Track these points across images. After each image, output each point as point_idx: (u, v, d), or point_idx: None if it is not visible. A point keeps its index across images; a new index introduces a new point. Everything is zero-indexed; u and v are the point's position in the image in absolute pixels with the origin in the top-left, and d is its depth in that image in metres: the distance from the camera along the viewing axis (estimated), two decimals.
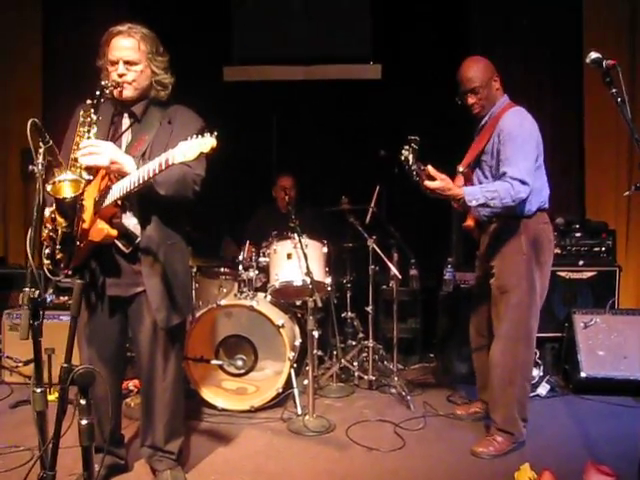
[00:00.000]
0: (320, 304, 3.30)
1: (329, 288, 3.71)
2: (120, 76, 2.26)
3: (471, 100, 2.87)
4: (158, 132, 2.31)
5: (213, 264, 4.03)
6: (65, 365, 1.75)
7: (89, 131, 2.18)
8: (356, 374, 3.89)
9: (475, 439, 2.96)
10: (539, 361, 3.77)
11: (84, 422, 1.75)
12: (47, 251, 2.16)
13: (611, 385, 3.57)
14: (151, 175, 2.03)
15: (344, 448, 2.94)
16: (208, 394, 3.46)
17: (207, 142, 1.90)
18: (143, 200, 2.26)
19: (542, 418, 3.23)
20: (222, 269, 3.97)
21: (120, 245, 2.28)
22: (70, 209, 2.04)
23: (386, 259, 3.83)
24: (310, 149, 5.03)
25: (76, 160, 2.14)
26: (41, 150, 1.84)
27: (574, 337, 3.75)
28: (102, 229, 2.18)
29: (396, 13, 4.98)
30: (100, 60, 2.34)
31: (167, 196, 2.21)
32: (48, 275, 2.14)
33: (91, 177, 2.17)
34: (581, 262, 4.04)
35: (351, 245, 4.14)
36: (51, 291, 3.81)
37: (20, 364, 3.72)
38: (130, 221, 2.30)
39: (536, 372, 3.69)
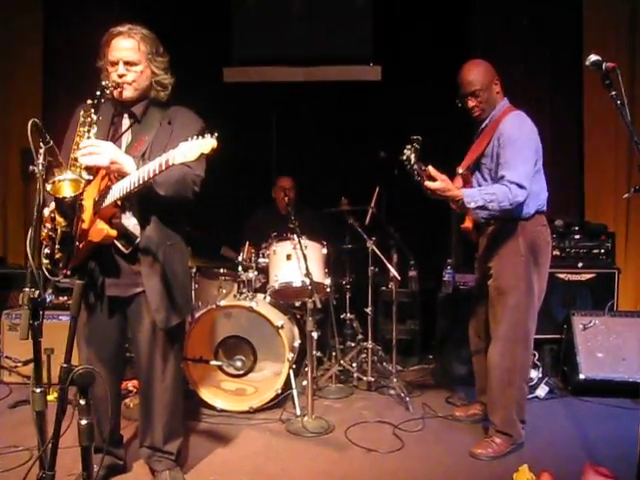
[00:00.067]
0: (319, 305, 3.29)
1: (328, 289, 3.71)
2: (120, 77, 2.26)
3: (471, 103, 2.88)
4: (158, 133, 2.31)
5: (212, 265, 4.03)
6: (65, 365, 1.75)
7: (89, 131, 2.18)
8: (355, 375, 3.89)
9: (474, 441, 2.96)
10: (538, 363, 3.78)
11: (83, 422, 1.76)
12: (46, 251, 2.16)
13: (610, 387, 3.58)
14: (151, 175, 2.03)
15: (343, 449, 2.94)
16: (207, 395, 3.46)
17: (208, 143, 1.91)
18: (143, 200, 2.26)
19: (541, 420, 3.23)
20: (221, 270, 3.97)
21: (120, 245, 2.27)
22: (70, 209, 2.04)
23: (385, 260, 3.83)
24: (310, 150, 5.03)
25: (76, 160, 2.14)
26: (41, 150, 1.84)
27: (573, 339, 3.75)
28: (102, 229, 2.18)
29: (396, 14, 4.97)
30: (100, 61, 2.34)
31: (167, 196, 2.21)
32: (47, 275, 2.14)
33: (91, 177, 2.17)
34: (580, 264, 4.04)
35: (350, 246, 4.14)
36: (50, 291, 3.80)
37: (19, 364, 3.72)
38: (130, 221, 2.30)
39: (535, 374, 3.70)
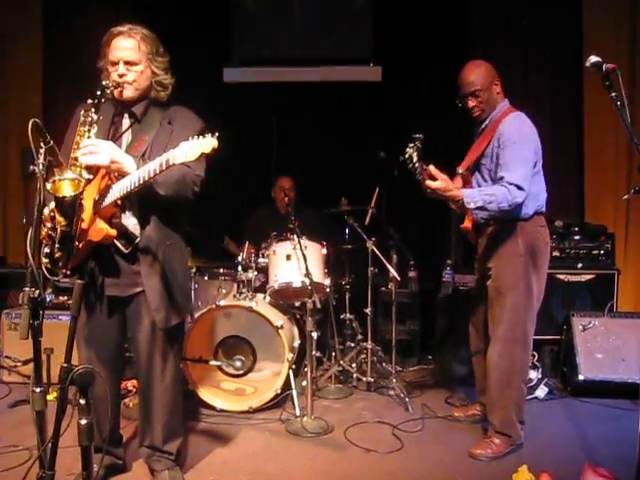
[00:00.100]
0: (319, 305, 3.30)
1: (328, 289, 3.71)
2: (120, 76, 2.26)
3: (471, 103, 2.88)
4: (158, 132, 2.32)
5: (212, 265, 4.03)
6: (65, 365, 1.74)
7: (89, 130, 2.19)
8: (354, 375, 3.89)
9: (473, 441, 2.96)
10: (537, 363, 3.78)
11: (83, 422, 1.75)
12: (46, 250, 2.16)
13: (609, 388, 3.58)
14: (151, 175, 2.03)
15: (342, 449, 2.94)
16: (206, 395, 3.46)
17: (208, 143, 1.91)
18: (143, 200, 2.26)
19: (540, 420, 3.23)
20: (221, 270, 3.97)
21: (119, 245, 2.27)
22: (69, 208, 2.04)
23: (385, 261, 3.83)
24: (310, 150, 5.03)
25: (76, 159, 2.14)
26: (42, 150, 1.84)
27: (572, 340, 3.75)
28: (101, 229, 2.18)
29: (396, 14, 4.97)
30: (101, 60, 2.34)
31: (167, 196, 2.21)
32: (46, 274, 2.14)
33: (91, 176, 2.17)
34: (580, 265, 4.05)
35: (350, 246, 4.14)
36: (50, 291, 3.81)
37: (19, 364, 3.72)
38: (129, 221, 2.30)
39: (534, 374, 3.70)
